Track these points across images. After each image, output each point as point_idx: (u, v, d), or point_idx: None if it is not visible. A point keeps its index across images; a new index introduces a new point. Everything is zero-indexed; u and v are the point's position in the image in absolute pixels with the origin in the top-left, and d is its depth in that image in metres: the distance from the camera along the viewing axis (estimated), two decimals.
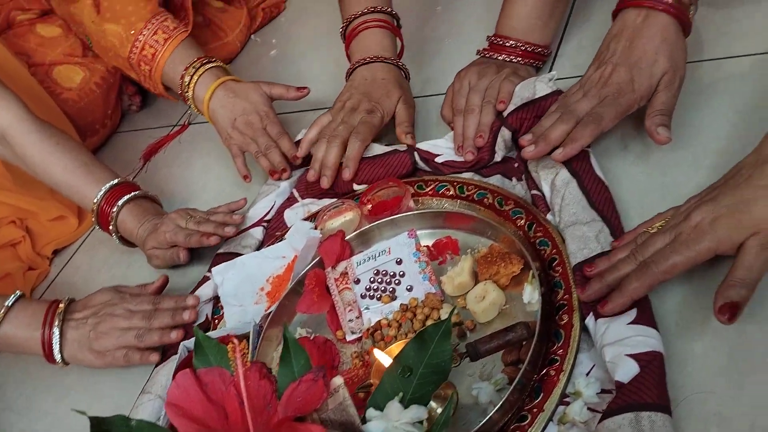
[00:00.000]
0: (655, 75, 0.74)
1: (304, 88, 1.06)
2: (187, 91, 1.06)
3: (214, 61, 1.07)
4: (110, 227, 0.99)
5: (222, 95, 1.04)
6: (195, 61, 1.05)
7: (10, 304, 0.87)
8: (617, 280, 0.63)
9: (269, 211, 0.99)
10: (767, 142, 0.60)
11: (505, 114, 0.85)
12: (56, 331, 0.86)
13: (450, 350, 0.54)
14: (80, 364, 0.89)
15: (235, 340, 0.72)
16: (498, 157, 0.85)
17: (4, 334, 0.86)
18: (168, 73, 1.07)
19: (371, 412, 0.52)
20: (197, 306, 0.88)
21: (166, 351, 0.87)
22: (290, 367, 0.55)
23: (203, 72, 1.05)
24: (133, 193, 1.00)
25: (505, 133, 0.84)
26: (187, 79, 1.05)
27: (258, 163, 1.03)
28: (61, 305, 0.89)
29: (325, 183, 0.93)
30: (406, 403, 0.52)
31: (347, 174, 0.92)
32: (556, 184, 0.75)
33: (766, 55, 0.82)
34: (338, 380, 0.52)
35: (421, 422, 0.51)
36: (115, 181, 1.00)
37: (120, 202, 0.98)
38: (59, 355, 0.87)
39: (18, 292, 0.89)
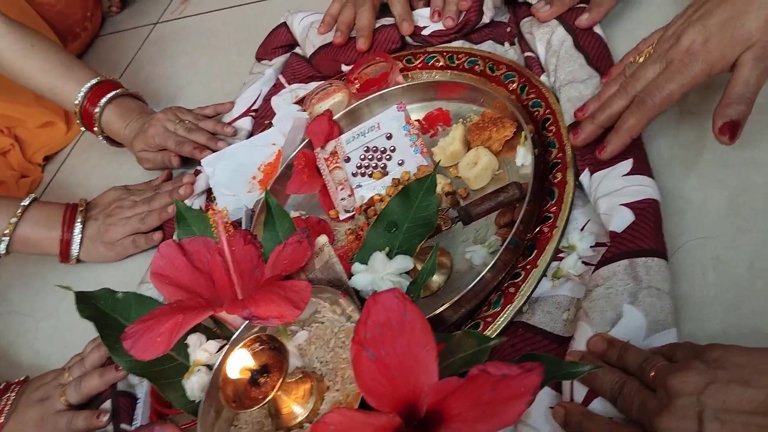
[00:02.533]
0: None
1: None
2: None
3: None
4: (95, 128, 0.97)
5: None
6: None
7: (26, 204, 0.88)
8: (611, 118, 0.61)
9: (256, 100, 0.96)
10: None
11: None
12: (77, 228, 0.88)
13: (435, 203, 0.52)
14: (94, 260, 0.90)
15: (216, 207, 0.71)
16: (486, 18, 0.81)
17: (23, 233, 0.87)
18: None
19: (357, 266, 0.51)
20: (193, 182, 0.88)
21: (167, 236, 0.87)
22: (274, 231, 0.54)
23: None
24: (114, 92, 0.97)
25: None
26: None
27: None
28: (81, 206, 0.90)
29: (363, 44, 0.88)
30: (393, 257, 0.50)
31: (406, 28, 0.86)
32: (552, 44, 0.72)
33: None
34: (322, 239, 0.51)
35: (407, 273, 0.50)
36: (96, 80, 0.97)
37: (102, 102, 0.95)
38: (76, 253, 0.89)
39: (32, 195, 0.90)
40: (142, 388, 0.68)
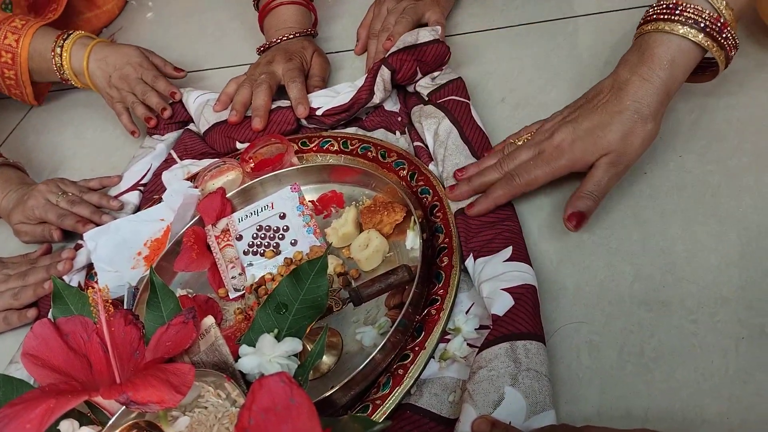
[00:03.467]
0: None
1: (182, 70, 1.05)
2: (63, 71, 1.01)
3: (76, 31, 1.02)
4: None
5: (96, 57, 1.00)
6: (57, 39, 1.00)
7: None
8: (483, 186, 0.69)
9: (145, 175, 0.94)
10: (622, 66, 0.65)
11: (387, 54, 0.85)
12: None
13: (326, 284, 0.53)
14: None
15: (96, 285, 0.68)
16: (376, 99, 0.85)
17: None
18: (35, 65, 1.02)
19: (244, 348, 0.50)
20: (73, 258, 0.84)
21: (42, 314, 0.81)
22: (158, 311, 0.52)
23: (71, 43, 1.00)
24: None
25: (384, 73, 0.84)
26: (58, 59, 1.00)
27: (135, 114, 1.00)
28: None
29: (258, 123, 0.89)
30: (281, 339, 0.50)
31: (302, 111, 0.88)
32: (439, 134, 0.76)
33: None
34: (209, 320, 0.50)
35: (296, 355, 0.49)
36: None
37: None
38: None
39: None
40: None
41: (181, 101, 1.01)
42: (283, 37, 1.00)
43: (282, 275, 0.72)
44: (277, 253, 0.75)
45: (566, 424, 0.49)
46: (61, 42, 1.00)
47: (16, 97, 1.08)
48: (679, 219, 0.63)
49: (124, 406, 0.48)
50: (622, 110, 0.63)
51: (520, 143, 0.70)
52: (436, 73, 0.85)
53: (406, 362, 0.60)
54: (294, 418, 0.37)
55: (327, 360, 0.65)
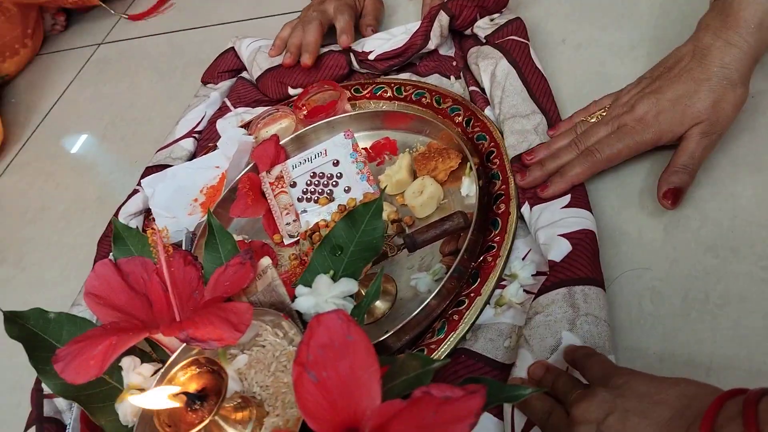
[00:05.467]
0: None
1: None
2: None
3: None
4: None
5: None
6: None
7: None
8: (558, 168, 0.64)
9: (199, 122, 0.95)
10: (703, 31, 0.60)
11: None
12: None
13: (381, 227, 0.52)
14: None
15: (156, 226, 0.69)
16: (432, 45, 0.83)
17: None
18: None
19: (300, 289, 0.50)
20: None
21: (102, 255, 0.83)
22: (216, 252, 0.53)
23: None
24: None
25: (442, 18, 0.81)
26: None
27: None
28: None
29: (308, 59, 0.88)
30: (337, 280, 0.50)
31: (345, 40, 0.87)
32: (497, 75, 0.73)
33: None
34: (266, 261, 0.50)
35: (352, 296, 0.49)
36: None
37: None
38: None
39: None
40: (70, 414, 0.65)
41: (233, 49, 1.01)
42: None
43: (336, 222, 0.73)
44: (331, 199, 0.75)
45: (605, 358, 0.48)
46: None
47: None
48: (749, 162, 0.60)
49: (184, 344, 0.49)
50: (710, 77, 0.58)
51: (593, 120, 0.66)
52: (495, 15, 0.82)
53: (461, 308, 0.60)
54: (351, 355, 0.37)
55: (381, 305, 0.65)
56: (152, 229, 0.50)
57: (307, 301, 0.48)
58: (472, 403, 0.35)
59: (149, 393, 0.42)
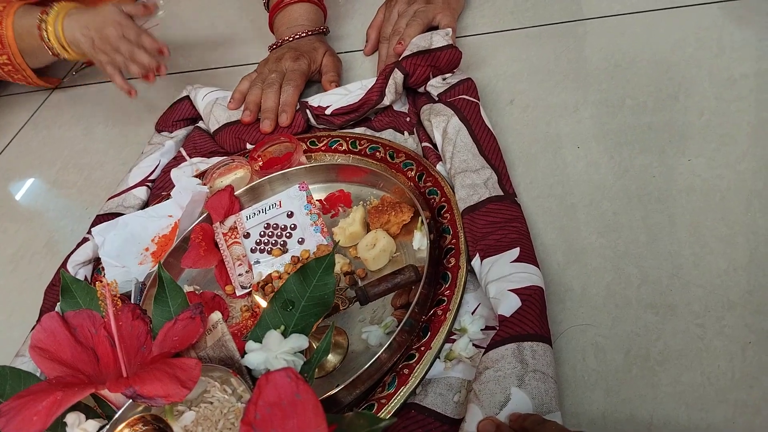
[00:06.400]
0: None
1: (152, 5, 1.06)
2: (51, 46, 1.01)
3: (59, 3, 1.02)
4: None
5: (74, 21, 1.00)
6: (41, 14, 1.00)
7: None
8: None
9: (153, 170, 0.94)
10: None
11: (400, 58, 0.85)
12: None
13: (333, 282, 0.53)
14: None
15: (104, 279, 0.68)
16: (387, 101, 0.85)
17: None
18: (25, 45, 1.03)
19: (251, 344, 0.50)
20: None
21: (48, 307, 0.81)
22: (166, 306, 0.52)
23: (55, 16, 1.00)
24: None
25: (397, 76, 0.84)
26: (44, 34, 1.00)
27: (129, 73, 1.00)
28: None
29: (267, 126, 0.90)
30: (287, 336, 0.50)
31: (285, 119, 0.90)
32: (448, 132, 0.76)
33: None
34: (216, 316, 0.50)
35: (302, 352, 0.49)
36: None
37: None
38: None
39: None
40: None
41: (189, 98, 1.01)
42: (295, 35, 1.00)
43: (289, 273, 0.73)
44: (285, 251, 0.75)
45: (555, 423, 0.49)
46: (45, 16, 1.00)
47: (22, 81, 1.08)
48: (687, 223, 0.63)
49: (130, 400, 0.48)
50: None
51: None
52: (447, 74, 0.85)
53: (411, 362, 0.60)
54: (300, 413, 0.37)
55: (332, 359, 0.65)
56: (100, 281, 0.50)
57: (257, 357, 0.48)
58: None
59: None
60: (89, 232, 0.87)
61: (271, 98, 0.91)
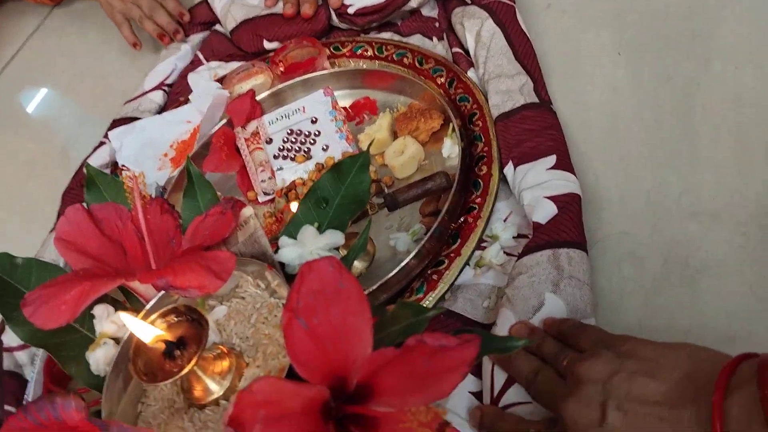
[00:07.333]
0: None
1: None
2: None
3: None
4: None
5: None
6: None
7: None
8: None
9: (170, 75, 0.92)
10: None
11: None
12: None
13: (368, 180, 0.51)
14: None
15: (133, 171, 0.66)
16: (414, 3, 0.81)
17: None
18: None
19: (284, 240, 0.48)
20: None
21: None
22: (195, 201, 0.51)
23: None
24: None
25: None
26: None
27: (143, 28, 0.97)
28: None
29: (308, 9, 0.85)
30: (322, 232, 0.49)
31: (307, 8, 0.85)
32: (482, 35, 0.72)
33: None
34: (248, 211, 0.48)
35: (337, 249, 0.48)
36: None
37: None
38: None
39: None
40: (32, 368, 0.62)
41: (206, 2, 0.97)
42: None
43: (313, 180, 0.71)
44: (308, 157, 0.73)
45: (601, 328, 0.48)
46: None
47: None
48: (732, 132, 0.60)
49: (162, 292, 0.47)
50: None
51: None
52: None
53: (440, 268, 0.59)
54: (343, 302, 0.36)
55: (359, 264, 0.64)
56: (127, 175, 0.48)
57: (291, 252, 0.47)
58: (467, 352, 0.35)
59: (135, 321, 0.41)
60: (106, 136, 0.85)
61: None
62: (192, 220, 0.50)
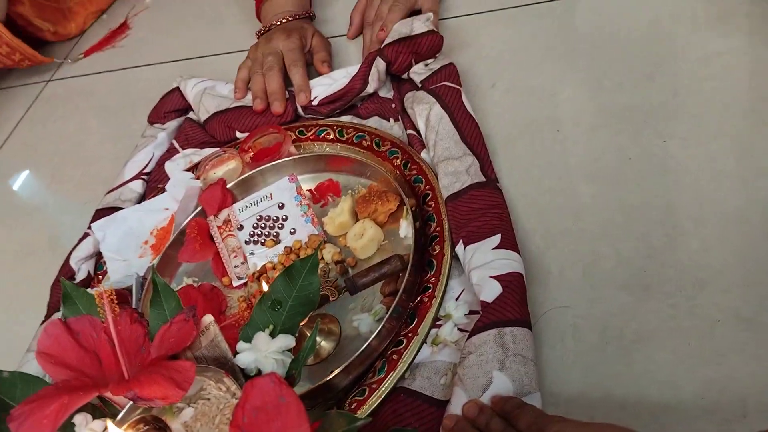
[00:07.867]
0: None
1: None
2: None
3: None
4: None
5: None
6: None
7: None
8: None
9: (148, 164, 0.97)
10: None
11: (382, 45, 0.87)
12: None
13: (317, 281, 0.55)
14: None
15: (101, 287, 0.71)
16: (370, 89, 0.87)
17: None
18: None
19: (241, 345, 0.53)
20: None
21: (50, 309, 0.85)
22: (161, 309, 0.55)
23: None
24: None
25: (379, 64, 0.86)
26: None
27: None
28: None
29: (278, 107, 0.91)
30: (276, 335, 0.53)
31: (303, 98, 0.90)
32: (431, 120, 0.77)
33: None
34: (208, 318, 0.53)
35: (289, 350, 0.52)
36: None
37: None
38: None
39: None
40: None
41: (179, 89, 1.03)
42: (282, 19, 1.01)
43: (282, 264, 0.76)
44: (277, 242, 0.78)
45: (535, 408, 0.52)
46: None
47: (22, 62, 1.09)
48: (661, 204, 0.65)
49: (131, 401, 0.51)
50: None
51: None
52: (429, 60, 0.86)
53: (400, 348, 0.63)
54: (283, 415, 0.40)
55: (326, 345, 0.68)
56: (98, 290, 0.53)
57: (247, 357, 0.51)
58: None
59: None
60: (90, 228, 0.90)
61: (275, 80, 0.92)
62: (159, 327, 0.54)
